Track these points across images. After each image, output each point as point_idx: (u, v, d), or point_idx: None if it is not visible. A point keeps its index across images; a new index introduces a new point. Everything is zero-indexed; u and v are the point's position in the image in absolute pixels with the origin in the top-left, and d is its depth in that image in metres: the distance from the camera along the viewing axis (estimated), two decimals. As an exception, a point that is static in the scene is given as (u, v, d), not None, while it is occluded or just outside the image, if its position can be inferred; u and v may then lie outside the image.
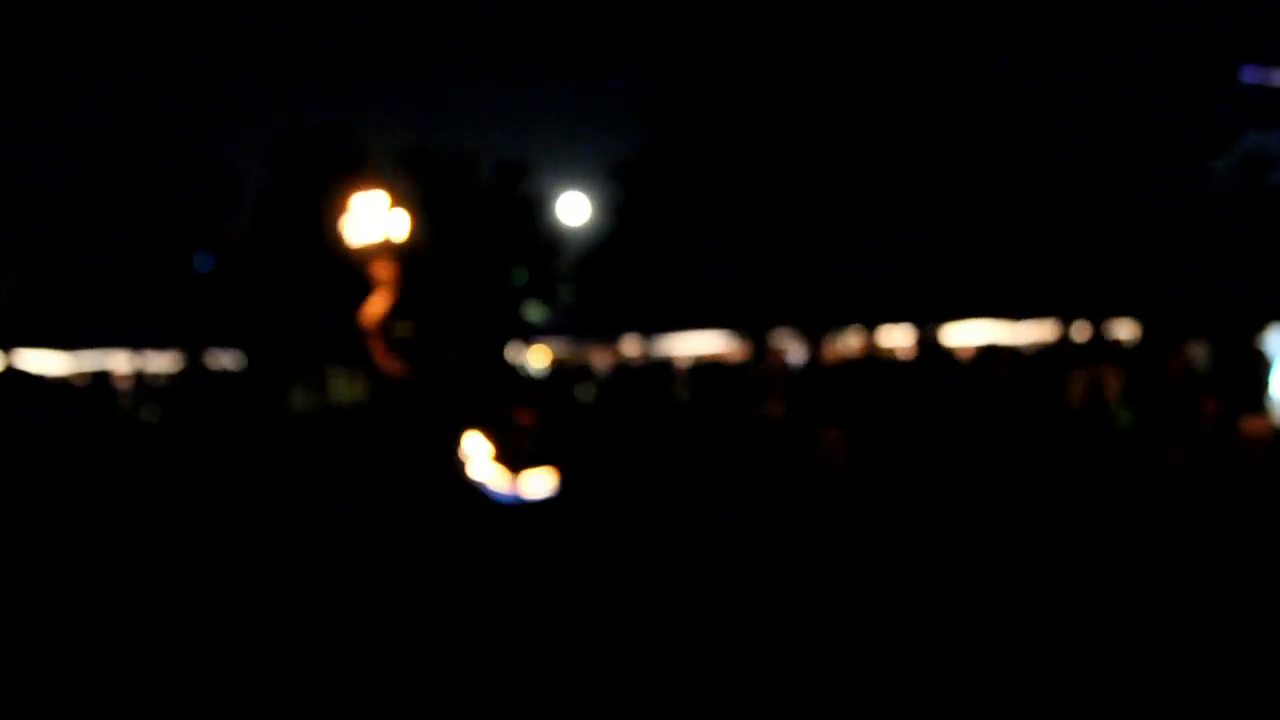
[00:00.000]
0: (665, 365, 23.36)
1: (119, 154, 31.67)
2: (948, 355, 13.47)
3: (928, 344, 16.39)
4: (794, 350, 17.41)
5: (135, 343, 24.45)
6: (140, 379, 19.32)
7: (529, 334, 38.10)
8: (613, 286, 34.79)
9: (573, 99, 68.87)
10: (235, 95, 61.47)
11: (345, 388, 26.86)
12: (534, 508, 6.00)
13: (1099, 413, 8.96)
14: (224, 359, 26.33)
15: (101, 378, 20.32)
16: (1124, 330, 14.88)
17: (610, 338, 29.96)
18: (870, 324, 17.23)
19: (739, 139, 19.55)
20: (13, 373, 12.28)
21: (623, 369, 22.47)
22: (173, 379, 19.75)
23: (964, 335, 17.41)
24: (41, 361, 21.71)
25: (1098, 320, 12.00)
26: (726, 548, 6.82)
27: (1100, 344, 8.95)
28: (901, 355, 15.21)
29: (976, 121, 17.04)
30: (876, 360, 13.11)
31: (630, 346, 29.01)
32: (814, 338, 18.09)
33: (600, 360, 29.63)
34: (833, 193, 18.25)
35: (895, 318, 17.41)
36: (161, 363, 23.41)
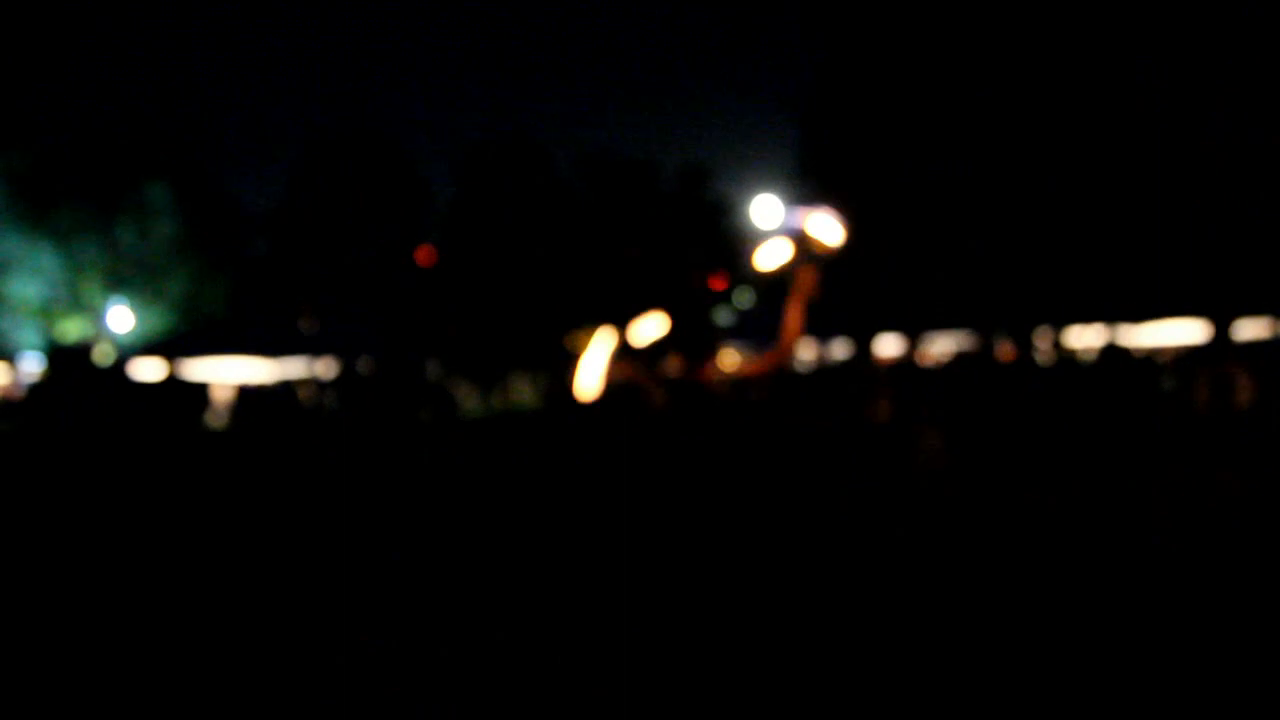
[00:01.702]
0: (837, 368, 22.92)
1: (324, 170, 33.76)
2: (1067, 358, 12.72)
3: (1049, 347, 15.60)
4: (904, 351, 16.93)
5: (338, 350, 25.92)
6: (331, 384, 20.52)
7: (717, 339, 38.19)
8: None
9: (754, 101, 68.70)
10: (425, 108, 64.50)
11: (526, 392, 27.67)
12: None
13: (1225, 415, 8.27)
14: (421, 364, 27.62)
15: (298, 384, 21.67)
16: (1255, 329, 13.75)
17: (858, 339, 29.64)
18: (1003, 327, 16.58)
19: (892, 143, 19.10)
20: (173, 380, 13.33)
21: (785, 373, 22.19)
22: (364, 383, 20.85)
23: (1087, 337, 16.58)
24: (242, 369, 23.37)
25: (1226, 320, 11.03)
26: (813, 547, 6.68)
27: (1227, 344, 8.23)
28: (1017, 357, 14.49)
29: (1105, 119, 16.18)
30: (988, 362, 12.51)
31: (808, 350, 28.66)
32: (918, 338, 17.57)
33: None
34: (963, 191, 17.65)
35: (1023, 320, 16.69)
36: (361, 367, 24.63)
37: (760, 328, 36.39)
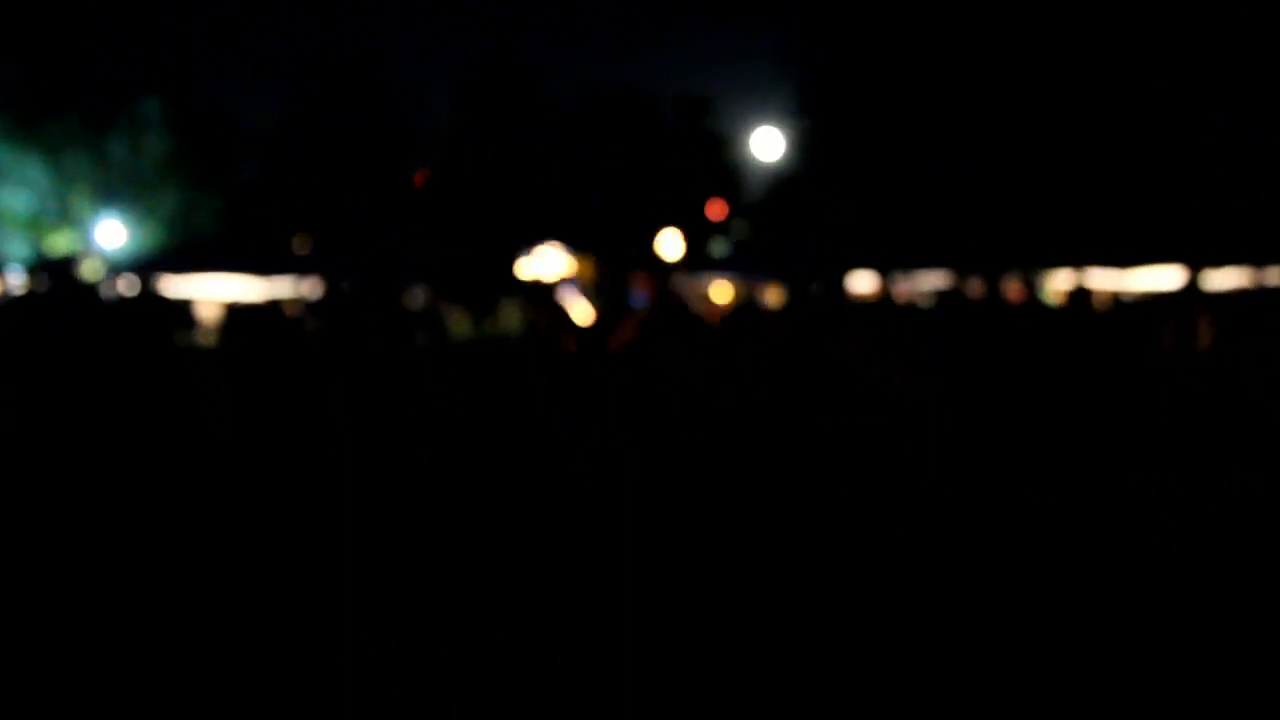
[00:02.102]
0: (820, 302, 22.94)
1: (319, 93, 33.46)
2: (1039, 302, 12.74)
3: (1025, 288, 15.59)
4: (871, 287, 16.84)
5: (327, 271, 25.86)
6: (314, 305, 20.53)
7: (712, 269, 38.10)
8: (789, 224, 34.37)
9: (758, 35, 67.71)
10: (418, 34, 63.65)
11: (515, 319, 27.69)
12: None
13: (1189, 362, 8.28)
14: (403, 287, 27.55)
15: (286, 303, 21.70)
16: (1223, 279, 13.70)
17: (778, 276, 29.60)
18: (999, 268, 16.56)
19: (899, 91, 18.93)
20: (150, 295, 13.36)
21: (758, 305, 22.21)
22: (346, 304, 20.86)
23: (1060, 281, 16.57)
24: (232, 287, 23.38)
25: (1195, 268, 11.04)
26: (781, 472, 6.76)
27: (1195, 292, 8.19)
28: (1025, 297, 14.49)
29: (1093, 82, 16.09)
30: (964, 302, 12.52)
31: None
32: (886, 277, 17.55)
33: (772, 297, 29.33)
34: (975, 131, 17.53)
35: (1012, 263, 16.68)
36: (345, 288, 24.58)
37: (753, 260, 36.28)
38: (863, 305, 12.58)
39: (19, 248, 25.27)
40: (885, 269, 18.66)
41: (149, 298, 13.38)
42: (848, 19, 19.94)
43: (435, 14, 67.08)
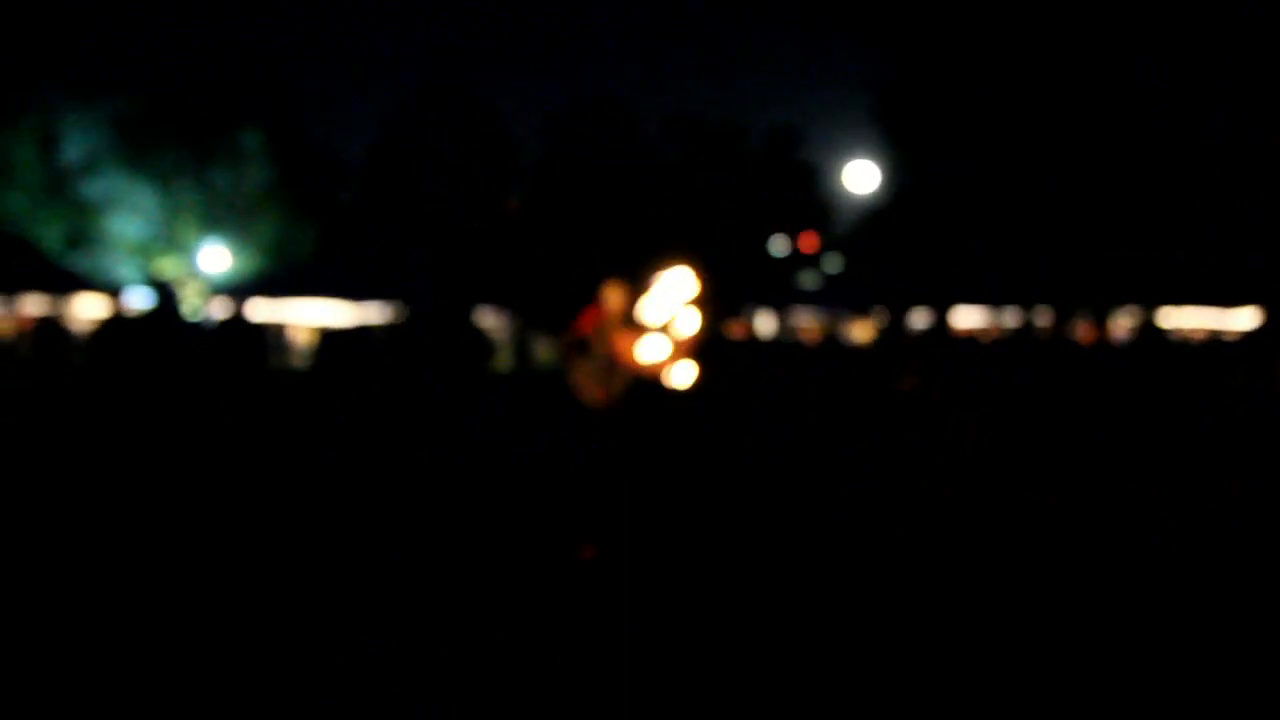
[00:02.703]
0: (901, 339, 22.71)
1: (415, 125, 34.35)
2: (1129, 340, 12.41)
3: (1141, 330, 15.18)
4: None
5: (410, 298, 26.51)
6: (389, 330, 21.08)
7: (790, 302, 38.01)
8: (879, 256, 34.02)
9: (849, 66, 67.47)
10: (515, 69, 64.91)
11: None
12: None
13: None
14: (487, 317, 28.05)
15: (371, 329, 22.33)
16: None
17: (864, 309, 29.43)
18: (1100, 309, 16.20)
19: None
20: (237, 320, 13.91)
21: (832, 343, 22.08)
22: (404, 332, 21.34)
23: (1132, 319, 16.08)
24: (323, 311, 24.16)
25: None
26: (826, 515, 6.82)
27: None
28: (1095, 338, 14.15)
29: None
30: (1031, 340, 12.30)
31: (881, 318, 28.36)
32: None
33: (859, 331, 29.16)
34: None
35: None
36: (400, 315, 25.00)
37: (843, 294, 35.96)
38: (927, 338, 12.49)
39: (129, 271, 26.53)
40: (937, 304, 18.47)
41: (240, 323, 13.98)
42: (917, 38, 19.89)
43: (528, 44, 68.43)
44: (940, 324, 17.23)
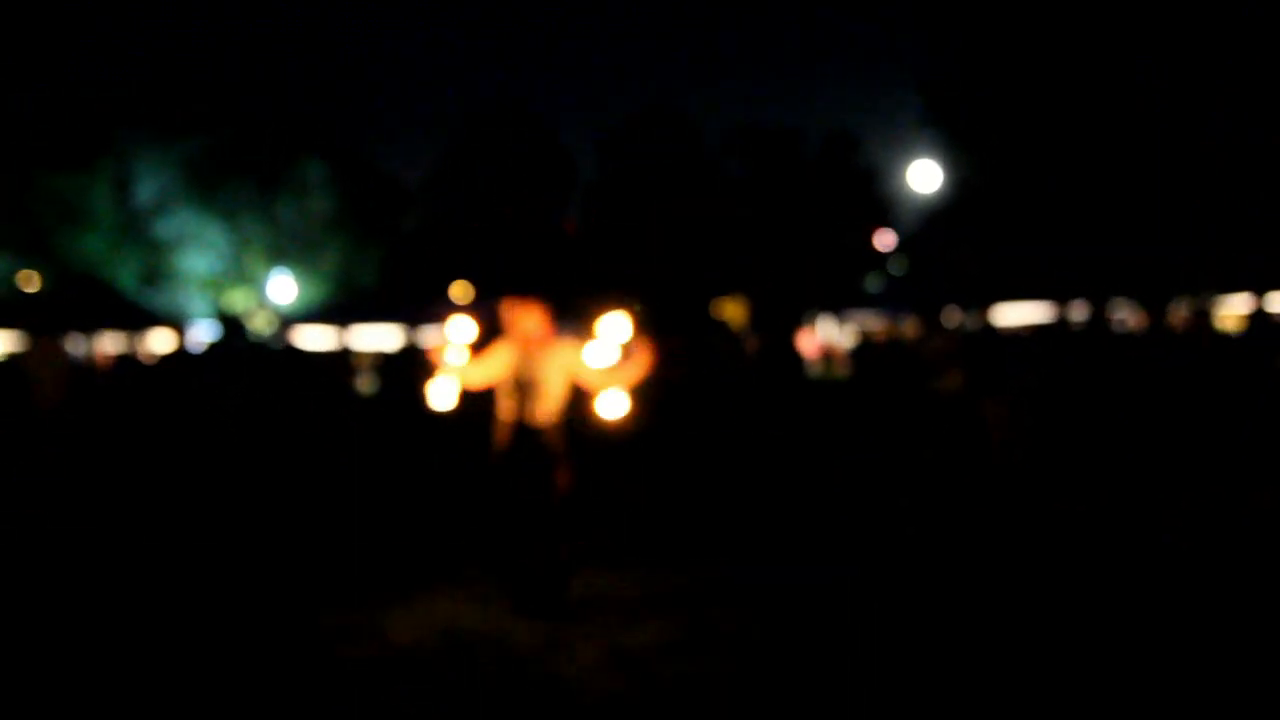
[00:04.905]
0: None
1: (475, 144, 34.92)
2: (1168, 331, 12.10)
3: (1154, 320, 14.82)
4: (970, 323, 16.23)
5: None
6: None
7: (853, 307, 37.62)
8: (940, 258, 33.67)
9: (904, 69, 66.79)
10: (571, 83, 65.47)
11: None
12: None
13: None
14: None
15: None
16: None
17: (927, 311, 28.92)
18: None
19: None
20: (290, 350, 14.28)
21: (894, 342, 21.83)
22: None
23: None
24: (389, 336, 24.58)
25: None
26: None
27: None
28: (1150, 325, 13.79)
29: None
30: (1065, 334, 12.08)
31: (952, 319, 27.93)
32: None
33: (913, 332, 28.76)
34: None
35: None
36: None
37: (907, 295, 35.59)
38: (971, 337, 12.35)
39: (200, 305, 27.38)
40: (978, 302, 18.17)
41: (295, 353, 14.36)
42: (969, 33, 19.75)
43: (583, 58, 69.00)
44: (984, 321, 17.00)
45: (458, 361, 5.26)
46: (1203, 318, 10.87)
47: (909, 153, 49.11)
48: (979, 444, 8.63)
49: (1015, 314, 24.13)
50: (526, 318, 5.20)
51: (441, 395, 5.23)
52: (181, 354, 13.97)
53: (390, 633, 4.85)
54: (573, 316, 9.01)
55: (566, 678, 4.20)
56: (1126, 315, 16.80)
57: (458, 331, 5.31)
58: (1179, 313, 13.63)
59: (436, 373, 5.24)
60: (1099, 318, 14.20)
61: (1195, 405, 9.14)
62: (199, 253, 27.51)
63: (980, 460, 8.56)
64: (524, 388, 5.14)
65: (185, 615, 5.16)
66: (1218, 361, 9.88)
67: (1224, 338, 11.81)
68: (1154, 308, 14.49)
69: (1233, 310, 15.09)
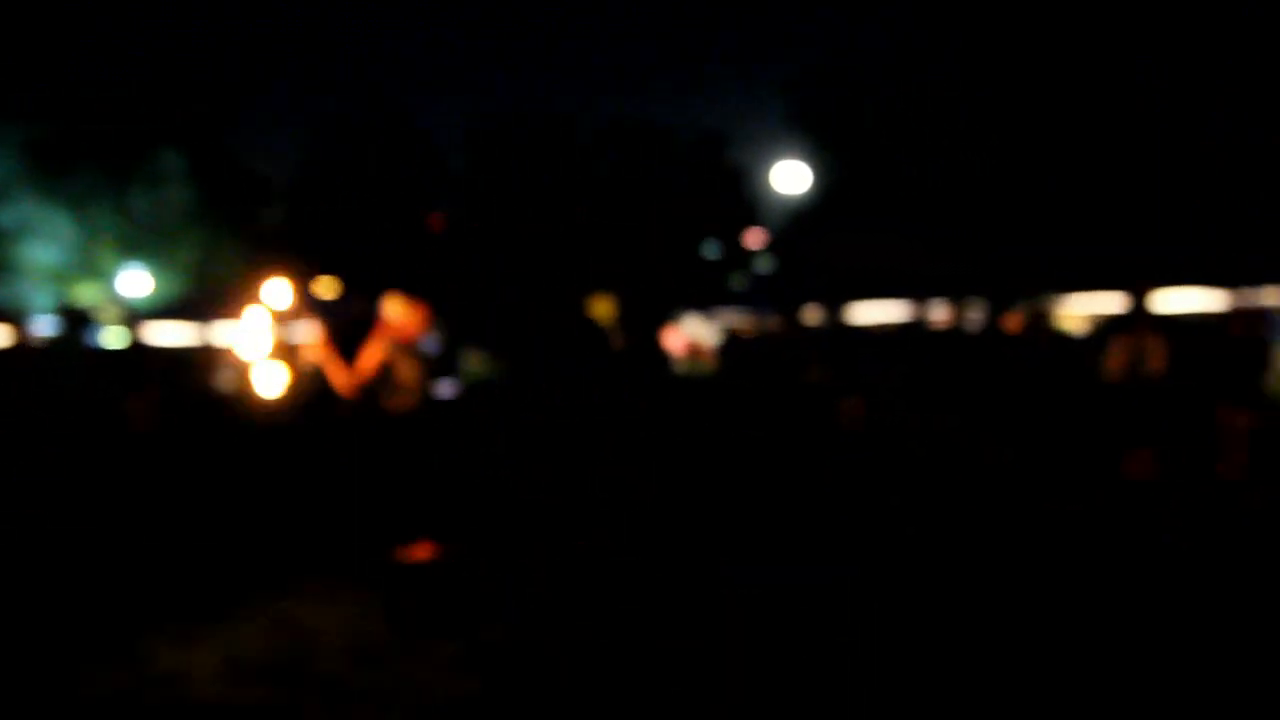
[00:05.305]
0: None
1: (339, 140, 34.18)
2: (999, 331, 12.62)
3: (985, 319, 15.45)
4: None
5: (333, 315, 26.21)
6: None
7: (719, 305, 38.03)
8: (804, 257, 34.37)
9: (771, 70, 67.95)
10: (436, 80, 64.84)
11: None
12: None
13: (1138, 384, 8.23)
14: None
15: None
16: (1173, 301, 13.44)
17: (787, 309, 29.46)
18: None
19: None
20: (138, 347, 13.73)
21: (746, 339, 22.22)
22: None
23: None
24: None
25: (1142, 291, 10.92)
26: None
27: (1143, 313, 8.04)
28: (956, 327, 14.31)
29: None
30: (920, 331, 12.56)
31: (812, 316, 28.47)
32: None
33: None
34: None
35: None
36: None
37: (772, 293, 36.13)
38: (829, 335, 12.69)
39: (45, 299, 25.97)
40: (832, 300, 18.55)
41: (140, 349, 13.79)
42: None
43: (452, 56, 68.19)
44: (840, 320, 17.43)
45: (268, 339, 5.12)
46: (1040, 319, 11.32)
47: (776, 153, 49.82)
48: (835, 436, 8.85)
49: (875, 312, 24.81)
50: (402, 314, 5.16)
51: (269, 382, 5.08)
52: (20, 350, 13.27)
53: (241, 638, 4.71)
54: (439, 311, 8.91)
55: (419, 679, 4.14)
56: (980, 315, 17.41)
57: (274, 297, 5.18)
58: (1018, 314, 14.23)
59: (262, 358, 5.09)
60: (957, 317, 14.66)
61: (1036, 404, 9.49)
62: (42, 244, 26.14)
63: (835, 450, 8.75)
64: (387, 382, 5.08)
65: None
66: (1054, 361, 10.29)
67: (1061, 337, 12.33)
68: (999, 308, 15.07)
69: (1074, 310, 15.74)
